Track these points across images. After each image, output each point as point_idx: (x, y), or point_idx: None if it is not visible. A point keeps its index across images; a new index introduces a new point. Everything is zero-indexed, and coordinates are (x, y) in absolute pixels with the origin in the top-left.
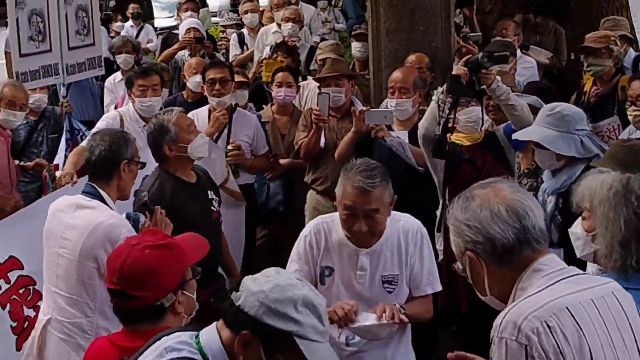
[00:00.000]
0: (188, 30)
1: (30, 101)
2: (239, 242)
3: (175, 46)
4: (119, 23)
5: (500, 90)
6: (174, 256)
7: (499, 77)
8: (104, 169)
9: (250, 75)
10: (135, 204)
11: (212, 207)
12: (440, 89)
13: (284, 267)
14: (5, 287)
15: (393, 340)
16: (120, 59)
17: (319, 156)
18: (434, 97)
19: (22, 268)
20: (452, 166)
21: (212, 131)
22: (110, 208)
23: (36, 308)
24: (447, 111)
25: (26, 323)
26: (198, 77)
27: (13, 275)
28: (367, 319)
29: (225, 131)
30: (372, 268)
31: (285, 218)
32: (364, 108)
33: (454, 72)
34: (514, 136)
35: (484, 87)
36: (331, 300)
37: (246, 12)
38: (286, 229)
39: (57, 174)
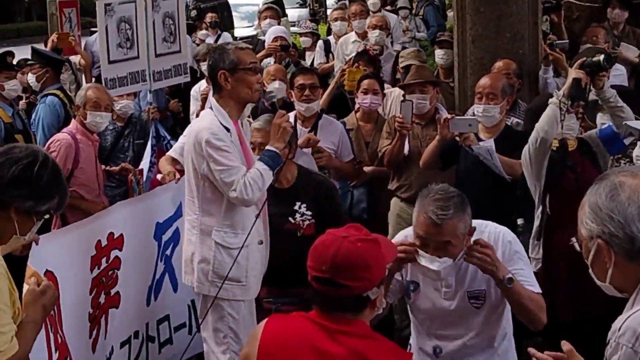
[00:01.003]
0: (275, 38)
1: (117, 107)
2: None
3: (261, 53)
4: (204, 31)
5: (609, 93)
6: (380, 251)
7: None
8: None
9: (332, 85)
10: (267, 101)
11: (291, 219)
12: (561, 92)
13: None
14: (103, 265)
15: (486, 351)
16: (204, 66)
17: (402, 163)
18: (554, 100)
19: (121, 249)
20: (556, 173)
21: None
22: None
23: (107, 295)
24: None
25: (97, 311)
26: (277, 84)
27: (113, 255)
28: None
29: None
30: (457, 284)
31: (368, 225)
32: (449, 116)
33: (574, 76)
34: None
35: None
36: (417, 315)
37: (335, 20)
38: None
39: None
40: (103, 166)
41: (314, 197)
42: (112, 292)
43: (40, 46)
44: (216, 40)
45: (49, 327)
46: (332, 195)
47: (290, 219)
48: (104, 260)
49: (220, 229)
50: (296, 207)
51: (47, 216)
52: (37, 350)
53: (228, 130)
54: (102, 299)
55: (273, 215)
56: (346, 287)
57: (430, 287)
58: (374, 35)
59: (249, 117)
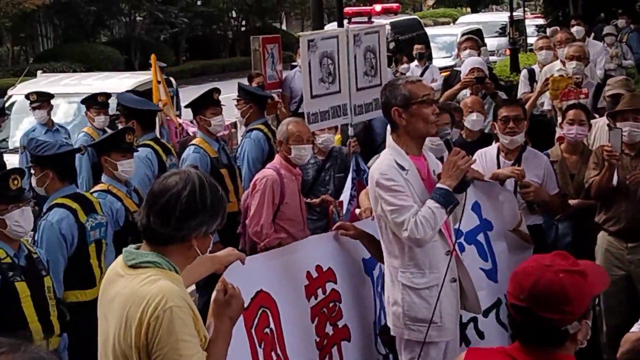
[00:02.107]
0: (471, 70)
1: (318, 141)
2: None
3: (457, 86)
4: (405, 65)
5: None
6: (585, 284)
7: None
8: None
9: (534, 95)
10: (441, 138)
11: None
12: None
13: None
14: (320, 297)
15: None
16: None
17: (610, 195)
18: None
19: (336, 282)
20: None
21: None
22: None
23: (335, 327)
24: None
25: (325, 340)
26: (475, 116)
27: (329, 287)
28: None
29: None
30: None
31: None
32: None
33: None
34: None
35: None
36: None
37: (540, 49)
38: None
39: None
40: (305, 199)
41: None
42: (340, 324)
43: (244, 81)
44: (423, 72)
45: (256, 345)
46: None
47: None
48: (319, 291)
49: (405, 270)
50: None
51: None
52: None
53: (404, 168)
54: (329, 330)
55: None
56: (544, 319)
57: None
58: (571, 66)
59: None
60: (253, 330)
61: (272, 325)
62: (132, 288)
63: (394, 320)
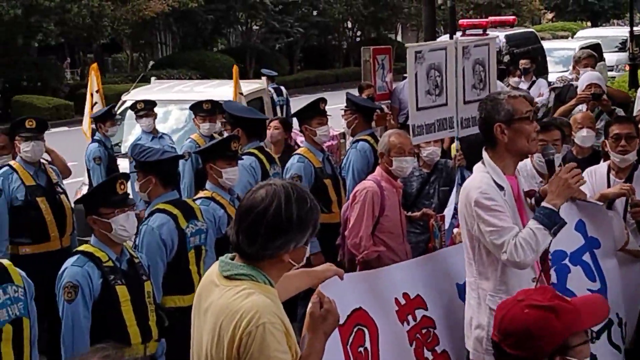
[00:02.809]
0: (589, 86)
1: (424, 154)
2: None
3: (573, 102)
4: (516, 79)
5: None
6: (555, 321)
7: None
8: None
9: None
10: (545, 157)
11: None
12: None
13: None
14: (412, 323)
15: None
16: None
17: None
18: None
19: (426, 309)
20: None
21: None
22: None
23: (434, 352)
24: None
25: None
26: (585, 132)
27: (419, 314)
28: None
29: None
30: None
31: None
32: None
33: None
34: None
35: None
36: None
37: None
38: None
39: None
40: (405, 212)
41: None
42: (438, 349)
43: (355, 92)
44: (530, 87)
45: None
46: None
47: None
48: (409, 317)
49: (495, 294)
50: None
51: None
52: None
53: (502, 188)
54: (428, 355)
55: None
56: (511, 355)
57: None
58: None
59: None
60: (349, 347)
61: (367, 345)
62: (226, 300)
63: (475, 345)
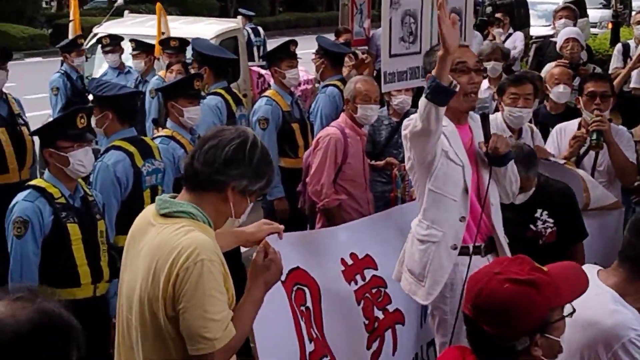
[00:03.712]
0: (567, 39)
1: (394, 102)
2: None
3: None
4: (500, 29)
5: None
6: (537, 296)
7: None
8: None
9: (625, 72)
10: (480, 110)
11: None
12: None
13: None
14: (360, 283)
15: None
16: (488, 66)
17: None
18: None
19: (376, 269)
20: None
21: (572, 151)
22: None
23: (385, 312)
24: None
25: (376, 324)
26: (561, 88)
27: (368, 274)
28: None
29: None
30: None
31: None
32: None
33: None
34: None
35: None
36: None
37: (638, 23)
38: None
39: None
40: (370, 160)
41: (555, 204)
42: (390, 308)
43: (330, 37)
44: (506, 39)
45: (299, 318)
46: (573, 202)
47: (531, 226)
48: (358, 277)
49: (420, 222)
50: (537, 215)
51: (259, 198)
52: (286, 338)
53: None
54: (379, 314)
55: (511, 222)
56: (487, 332)
57: None
58: None
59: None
60: (294, 303)
61: (308, 304)
62: (163, 237)
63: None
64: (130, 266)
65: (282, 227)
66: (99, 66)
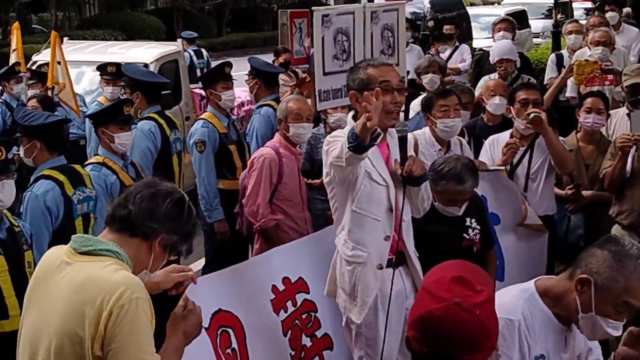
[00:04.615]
0: (500, 60)
1: (330, 120)
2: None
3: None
4: (444, 45)
5: None
6: (493, 309)
7: None
8: None
9: (557, 82)
10: (398, 133)
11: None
12: None
13: None
14: (291, 309)
15: None
16: (426, 79)
17: (624, 186)
18: None
19: (308, 292)
20: None
21: (505, 159)
22: None
23: (313, 338)
24: None
25: (302, 353)
26: (497, 99)
27: (300, 298)
28: None
29: (527, 157)
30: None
31: None
32: None
33: None
34: None
35: None
36: None
37: (570, 33)
38: None
39: None
40: (306, 179)
41: (476, 210)
42: (319, 334)
43: (269, 57)
44: (452, 52)
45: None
46: (484, 207)
47: (465, 235)
48: (289, 303)
49: (345, 242)
50: (468, 223)
51: (174, 257)
52: None
53: None
54: (306, 342)
55: (447, 235)
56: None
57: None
58: (596, 51)
59: None
60: (219, 349)
61: (234, 345)
62: (90, 274)
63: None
64: (37, 307)
65: (192, 272)
66: None
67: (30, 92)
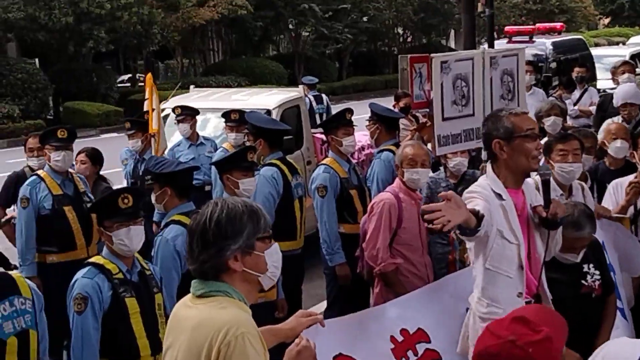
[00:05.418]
0: (624, 104)
1: (450, 165)
2: None
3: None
4: (567, 94)
5: None
6: (552, 348)
7: None
8: None
9: None
10: (542, 177)
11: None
12: None
13: None
14: (413, 358)
15: None
16: (548, 121)
17: None
18: None
19: (429, 341)
20: None
21: (628, 198)
22: None
23: None
24: None
25: None
26: (619, 143)
27: (420, 348)
28: None
29: None
30: None
31: None
32: None
33: None
34: None
35: None
36: None
37: None
38: None
39: None
40: (425, 224)
41: (595, 256)
42: None
43: (389, 100)
44: (581, 95)
45: None
46: (603, 252)
47: (583, 282)
48: (410, 352)
49: (479, 299)
50: (586, 269)
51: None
52: None
53: (501, 197)
54: None
55: (563, 282)
56: None
57: None
58: None
59: None
60: None
61: None
62: (201, 317)
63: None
64: (172, 347)
65: (321, 317)
66: (167, 140)
67: (132, 142)
